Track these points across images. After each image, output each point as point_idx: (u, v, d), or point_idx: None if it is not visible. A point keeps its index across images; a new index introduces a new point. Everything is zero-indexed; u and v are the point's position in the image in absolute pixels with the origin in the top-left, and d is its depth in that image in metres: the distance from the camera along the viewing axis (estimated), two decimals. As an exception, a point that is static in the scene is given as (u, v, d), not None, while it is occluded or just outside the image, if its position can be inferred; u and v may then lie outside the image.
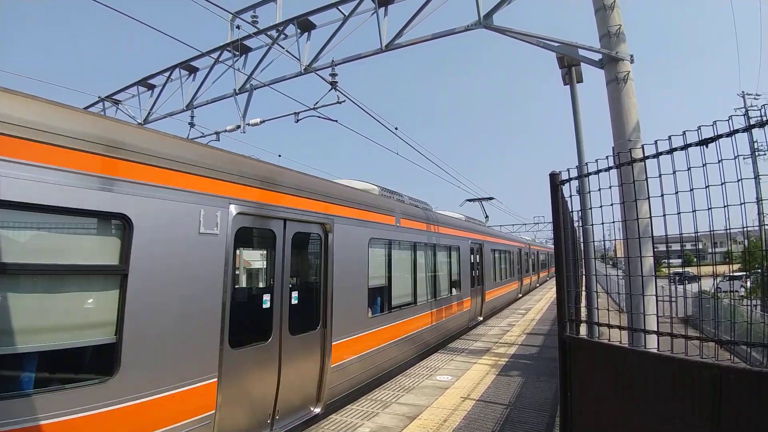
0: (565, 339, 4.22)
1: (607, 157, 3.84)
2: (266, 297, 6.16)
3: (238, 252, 6.89)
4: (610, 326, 3.89)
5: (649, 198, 3.38)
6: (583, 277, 8.90)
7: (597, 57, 7.85)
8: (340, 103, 12.34)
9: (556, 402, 6.49)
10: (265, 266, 7.21)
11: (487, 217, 27.97)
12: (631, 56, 7.45)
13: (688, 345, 2.82)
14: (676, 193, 2.87)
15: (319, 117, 13.42)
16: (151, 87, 15.76)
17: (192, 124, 15.27)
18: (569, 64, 9.14)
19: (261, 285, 8.42)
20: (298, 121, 13.92)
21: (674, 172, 2.89)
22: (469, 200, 30.22)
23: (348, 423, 6.38)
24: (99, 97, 16.12)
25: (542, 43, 8.54)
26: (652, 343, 3.45)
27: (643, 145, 3.40)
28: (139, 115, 15.72)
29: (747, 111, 27.98)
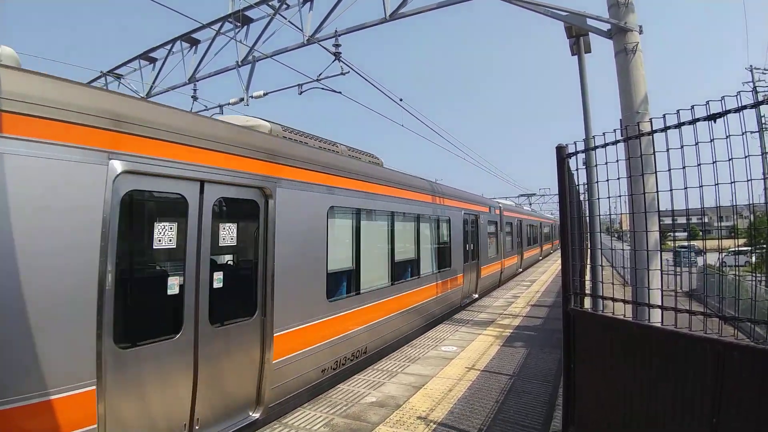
0: (570, 312, 4.26)
1: (615, 130, 3.81)
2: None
3: None
4: (614, 300, 3.93)
5: (656, 172, 3.36)
6: (588, 250, 8.91)
7: (605, 27, 7.70)
8: (344, 74, 12.14)
9: (560, 373, 6.59)
10: None
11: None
12: (640, 27, 7.30)
13: (692, 320, 2.85)
14: (684, 167, 2.86)
15: (322, 89, 13.29)
16: (153, 60, 15.61)
17: (195, 98, 15.14)
18: (577, 34, 8.96)
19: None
20: (301, 93, 13.79)
21: (682, 147, 2.88)
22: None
23: (355, 392, 6.51)
24: (101, 72, 15.99)
25: (550, 11, 8.35)
26: (656, 317, 3.48)
27: (651, 119, 3.37)
28: (141, 89, 15.63)
29: (755, 86, 27.25)
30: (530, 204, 54.35)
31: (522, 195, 56.63)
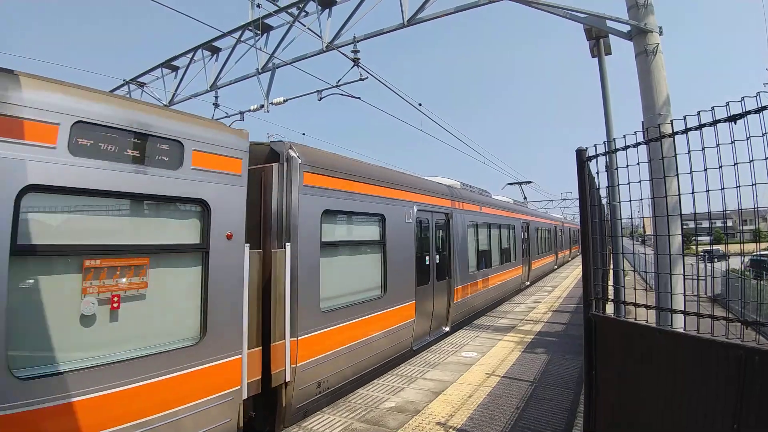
0: (591, 317, 4.20)
1: (635, 132, 3.75)
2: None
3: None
4: (636, 305, 3.86)
5: (677, 174, 3.30)
6: (611, 254, 8.77)
7: (625, 29, 7.61)
8: (363, 80, 12.24)
9: (582, 380, 6.49)
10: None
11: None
12: (660, 28, 7.20)
13: (714, 325, 2.79)
14: (705, 170, 2.81)
15: (342, 95, 13.38)
16: (175, 69, 15.91)
17: (216, 105, 15.41)
18: (597, 35, 8.88)
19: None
20: (321, 99, 13.93)
21: (703, 149, 2.83)
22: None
23: (374, 397, 6.51)
24: (124, 80, 16.35)
25: (569, 14, 8.29)
26: (679, 322, 3.41)
27: (672, 121, 3.32)
28: (164, 97, 15.92)
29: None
30: (525, 198, 35.26)
31: (511, 184, 36.63)
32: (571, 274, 26.18)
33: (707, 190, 2.81)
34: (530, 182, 34.62)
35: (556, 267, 32.01)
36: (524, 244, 21.83)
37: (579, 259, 33.72)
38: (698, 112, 2.86)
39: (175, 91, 15.70)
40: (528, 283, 22.24)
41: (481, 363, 8.23)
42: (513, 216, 19.94)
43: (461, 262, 12.75)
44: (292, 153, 6.57)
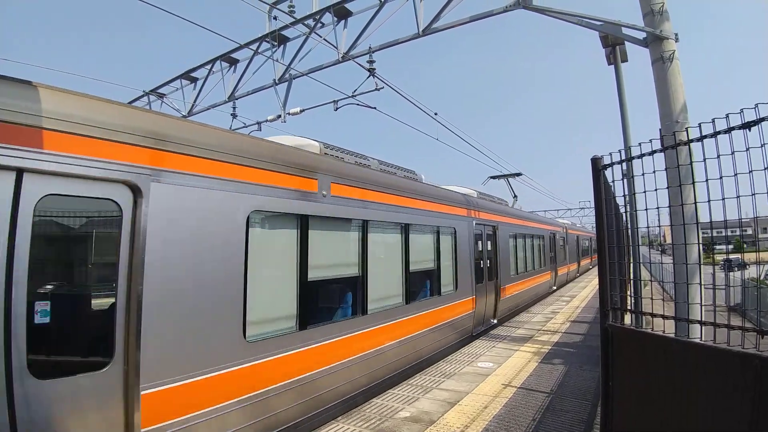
0: (607, 328, 4.15)
1: (651, 140, 3.71)
2: None
3: None
4: (653, 315, 3.81)
5: (694, 182, 3.26)
6: (631, 264, 8.66)
7: (641, 36, 7.56)
8: (378, 89, 12.29)
9: (599, 391, 6.41)
10: None
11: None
12: (676, 35, 7.15)
13: (731, 335, 2.74)
14: (721, 178, 2.77)
15: (358, 104, 13.45)
16: (194, 80, 16.17)
17: (234, 115, 15.59)
18: (613, 43, 8.85)
19: None
20: (337, 109, 14.01)
21: (718, 156, 2.80)
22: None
23: (388, 407, 6.48)
24: (144, 91, 16.66)
25: (584, 21, 8.26)
26: (697, 332, 3.36)
27: (687, 128, 3.29)
28: (183, 108, 16.17)
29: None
30: (515, 196, 23.07)
31: (494, 177, 23.51)
32: (590, 284, 25.77)
33: (723, 198, 2.77)
34: (519, 174, 24.09)
35: (554, 288, 23.82)
36: (486, 260, 13.72)
37: (588, 275, 32.05)
38: (713, 120, 2.84)
39: (194, 102, 15.95)
40: (495, 321, 14.05)
41: (497, 373, 8.15)
42: (452, 213, 11.34)
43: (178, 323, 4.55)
44: None
